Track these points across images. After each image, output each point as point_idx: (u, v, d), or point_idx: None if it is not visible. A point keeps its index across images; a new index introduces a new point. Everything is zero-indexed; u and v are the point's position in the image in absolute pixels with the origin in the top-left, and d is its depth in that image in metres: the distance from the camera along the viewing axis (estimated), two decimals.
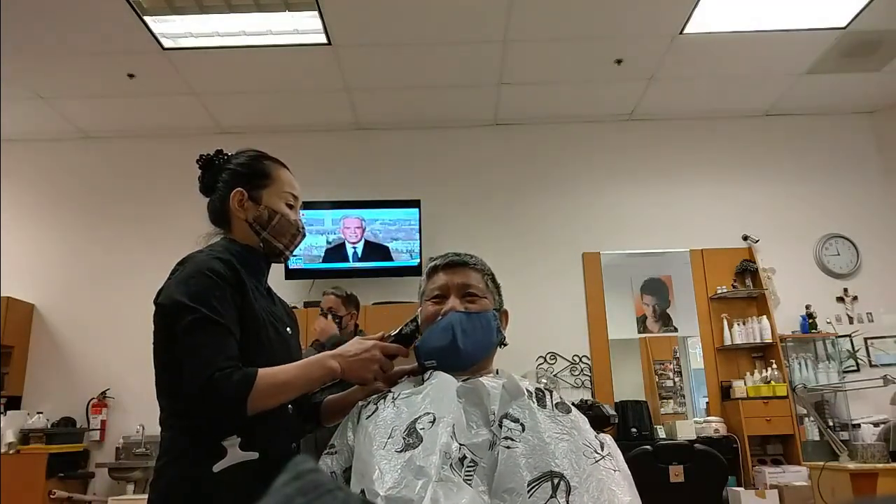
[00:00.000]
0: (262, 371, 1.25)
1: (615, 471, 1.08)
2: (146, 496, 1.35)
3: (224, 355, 1.24)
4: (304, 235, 1.53)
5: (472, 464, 1.05)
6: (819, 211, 4.99)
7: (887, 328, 4.76)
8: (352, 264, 4.76)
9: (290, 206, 1.51)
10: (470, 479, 1.03)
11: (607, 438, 1.18)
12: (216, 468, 1.25)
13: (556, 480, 1.02)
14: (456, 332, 1.28)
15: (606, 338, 4.76)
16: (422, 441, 1.06)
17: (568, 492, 1.01)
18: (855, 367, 4.67)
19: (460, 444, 1.07)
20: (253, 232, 1.47)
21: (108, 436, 4.55)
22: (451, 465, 1.03)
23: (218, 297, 1.29)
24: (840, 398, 4.52)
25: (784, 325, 4.71)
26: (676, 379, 4.76)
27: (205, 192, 1.54)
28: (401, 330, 1.40)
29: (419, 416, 1.12)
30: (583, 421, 1.17)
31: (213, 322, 1.26)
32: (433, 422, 1.09)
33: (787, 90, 4.84)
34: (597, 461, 1.07)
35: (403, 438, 1.08)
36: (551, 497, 1.00)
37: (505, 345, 1.40)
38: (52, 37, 3.90)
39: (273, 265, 1.56)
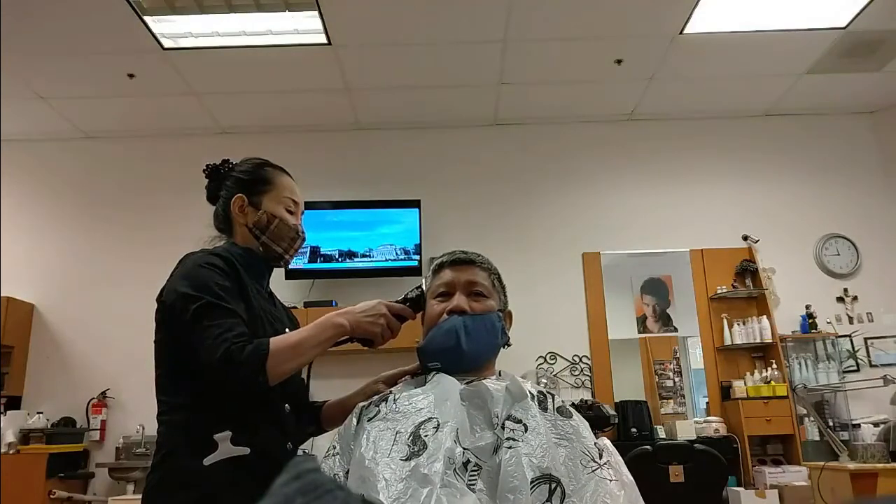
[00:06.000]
0: (273, 338, 1.28)
1: (611, 480, 1.08)
2: None
3: (235, 332, 1.26)
4: (303, 240, 1.56)
5: (475, 468, 1.04)
6: (819, 211, 4.99)
7: (887, 328, 4.75)
8: (352, 264, 4.75)
9: (291, 212, 1.54)
10: (473, 484, 1.02)
11: (608, 444, 1.17)
12: (207, 461, 1.27)
13: (553, 485, 1.02)
14: (460, 335, 1.27)
15: (606, 338, 4.75)
16: (426, 448, 1.05)
17: (563, 498, 1.01)
18: (855, 367, 4.67)
19: (464, 449, 1.06)
20: (253, 236, 1.50)
21: (108, 436, 4.54)
22: (454, 470, 1.03)
23: (220, 285, 1.32)
24: (840, 398, 4.52)
25: (784, 325, 4.70)
26: (676, 379, 4.76)
27: (210, 200, 1.58)
28: (406, 295, 1.42)
29: (423, 422, 1.10)
30: (584, 427, 1.16)
31: (218, 307, 1.29)
32: (437, 427, 1.08)
33: (787, 90, 4.83)
34: (593, 470, 1.07)
35: (408, 446, 1.06)
36: (546, 501, 1.00)
37: (509, 345, 1.40)
38: (52, 37, 3.89)
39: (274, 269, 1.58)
